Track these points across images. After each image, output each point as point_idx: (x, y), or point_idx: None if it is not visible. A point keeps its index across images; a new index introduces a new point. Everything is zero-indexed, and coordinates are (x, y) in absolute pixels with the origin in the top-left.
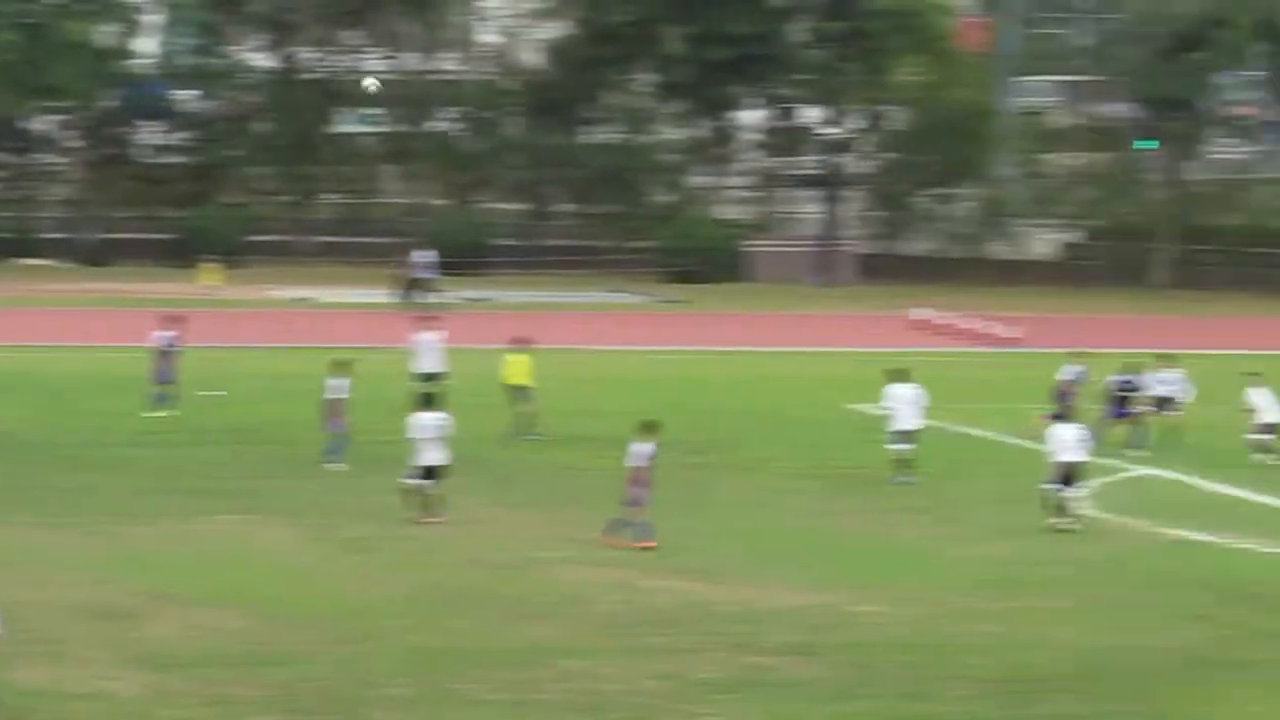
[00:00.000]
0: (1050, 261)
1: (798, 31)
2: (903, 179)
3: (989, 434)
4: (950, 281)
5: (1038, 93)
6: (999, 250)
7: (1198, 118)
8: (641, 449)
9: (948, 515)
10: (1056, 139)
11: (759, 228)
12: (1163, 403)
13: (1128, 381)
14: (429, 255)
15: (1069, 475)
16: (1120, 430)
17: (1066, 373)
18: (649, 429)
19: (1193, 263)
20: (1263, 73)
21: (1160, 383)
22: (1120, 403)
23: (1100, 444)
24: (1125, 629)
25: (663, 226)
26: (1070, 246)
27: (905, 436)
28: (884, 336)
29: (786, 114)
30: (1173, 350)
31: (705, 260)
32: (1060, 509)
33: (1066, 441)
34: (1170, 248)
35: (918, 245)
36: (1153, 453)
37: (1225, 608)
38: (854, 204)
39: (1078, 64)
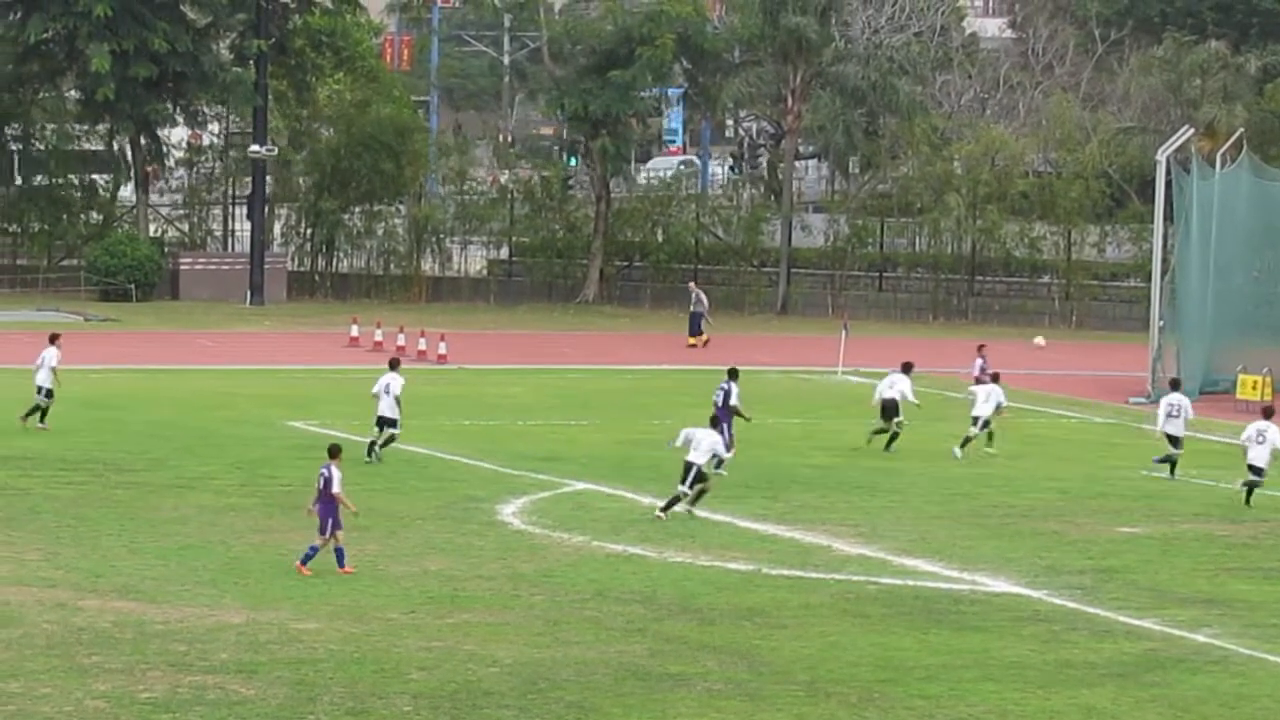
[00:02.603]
0: (480, 278)
1: (221, 49)
2: (332, 196)
3: (423, 450)
4: (382, 299)
5: (464, 109)
6: (430, 267)
7: (623, 135)
8: (336, 473)
9: (388, 530)
10: (484, 155)
11: (189, 245)
12: None
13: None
14: None
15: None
16: None
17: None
18: (333, 453)
19: (620, 279)
20: (684, 89)
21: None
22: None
23: None
24: (565, 643)
25: (91, 244)
26: (499, 263)
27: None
28: (321, 354)
29: (213, 131)
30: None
31: (135, 279)
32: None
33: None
34: (598, 264)
35: (349, 262)
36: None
37: (663, 621)
38: (284, 221)
39: (503, 81)
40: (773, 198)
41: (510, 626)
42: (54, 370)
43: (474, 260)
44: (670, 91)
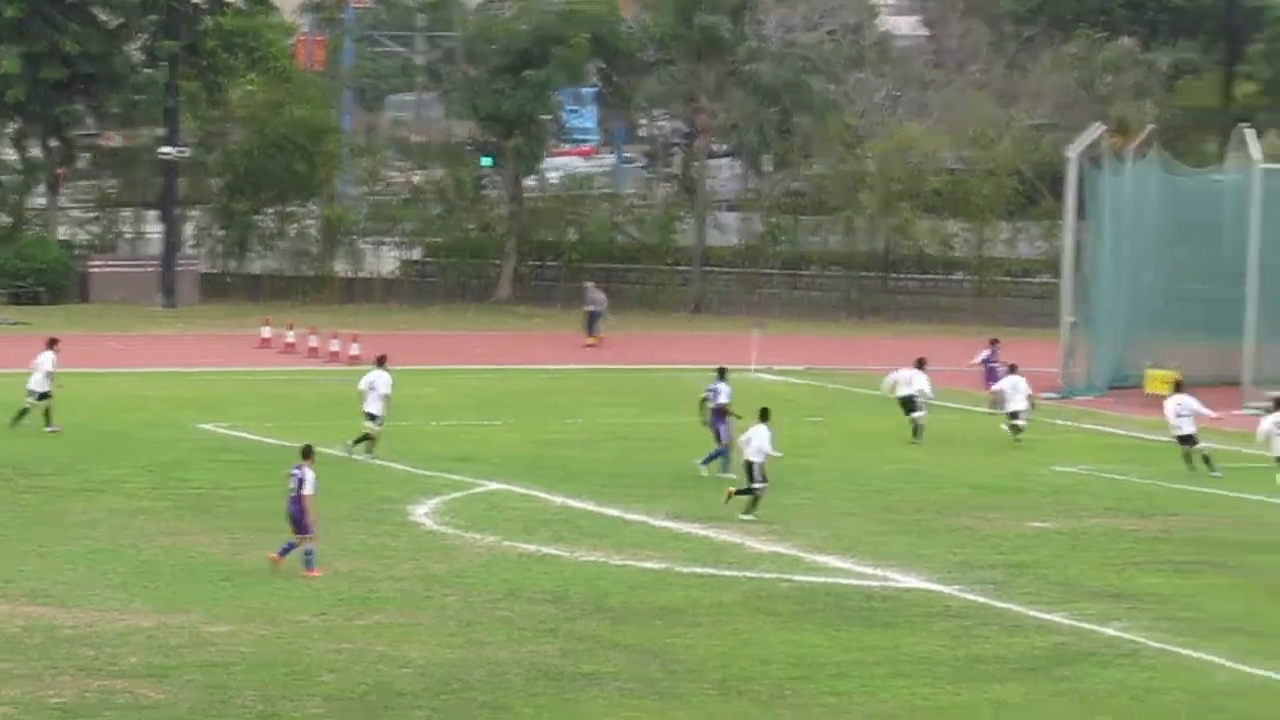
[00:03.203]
0: (393, 279)
1: (132, 50)
2: (244, 197)
3: (337, 451)
4: (295, 300)
5: (376, 110)
6: (343, 268)
7: (537, 134)
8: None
9: None
10: (397, 156)
11: (100, 248)
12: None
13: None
14: None
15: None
16: None
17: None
18: (306, 454)
19: (534, 278)
20: (598, 88)
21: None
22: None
23: None
24: (477, 643)
25: (0, 247)
26: (412, 264)
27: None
28: (232, 356)
29: (124, 133)
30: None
31: (45, 281)
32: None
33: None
34: (511, 264)
35: (262, 264)
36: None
37: (575, 620)
38: (195, 223)
39: (417, 82)
40: (687, 196)
41: (423, 627)
42: (50, 374)
43: (387, 261)
44: (584, 91)
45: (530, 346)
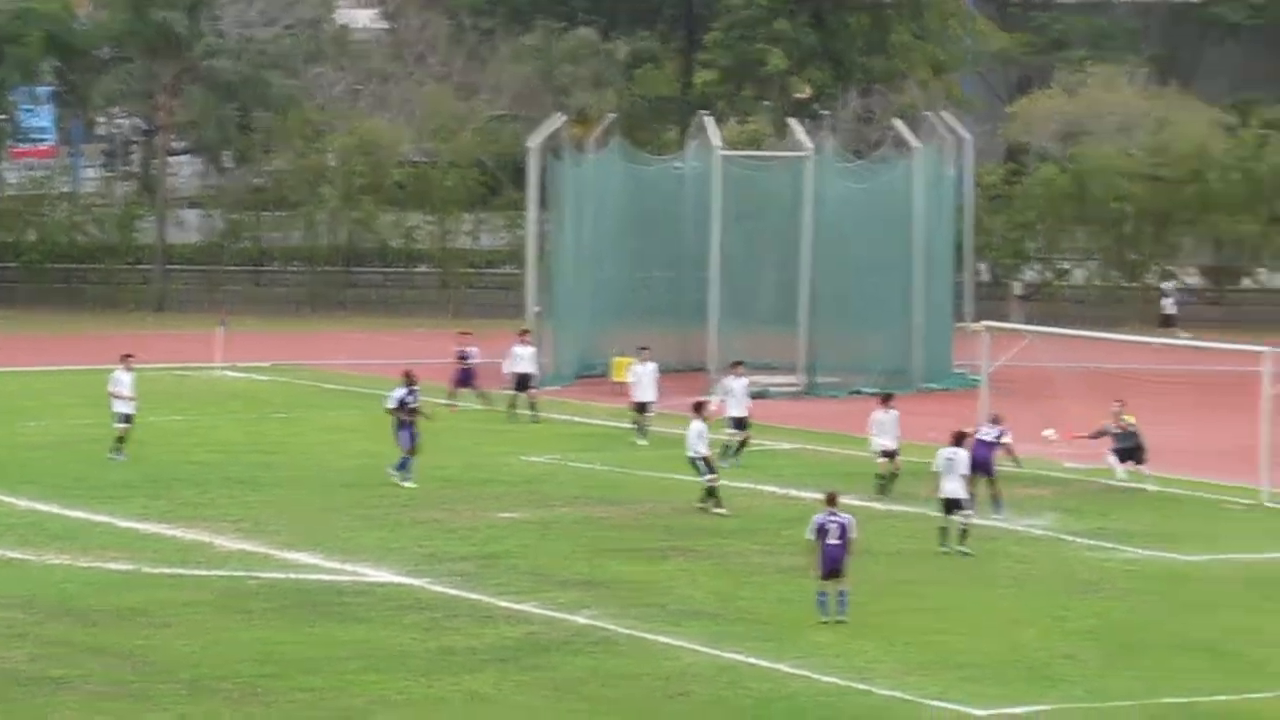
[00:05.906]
0: None
1: None
2: None
3: None
4: None
5: None
6: None
7: None
8: None
9: None
10: None
11: None
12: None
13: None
14: None
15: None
16: None
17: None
18: None
19: None
20: (54, 87)
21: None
22: None
23: None
24: None
25: None
26: None
27: None
28: None
29: None
30: None
31: None
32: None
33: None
34: None
35: None
36: None
37: (43, 625)
38: None
39: None
40: (147, 194)
41: None
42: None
43: None
44: (40, 90)
45: None
